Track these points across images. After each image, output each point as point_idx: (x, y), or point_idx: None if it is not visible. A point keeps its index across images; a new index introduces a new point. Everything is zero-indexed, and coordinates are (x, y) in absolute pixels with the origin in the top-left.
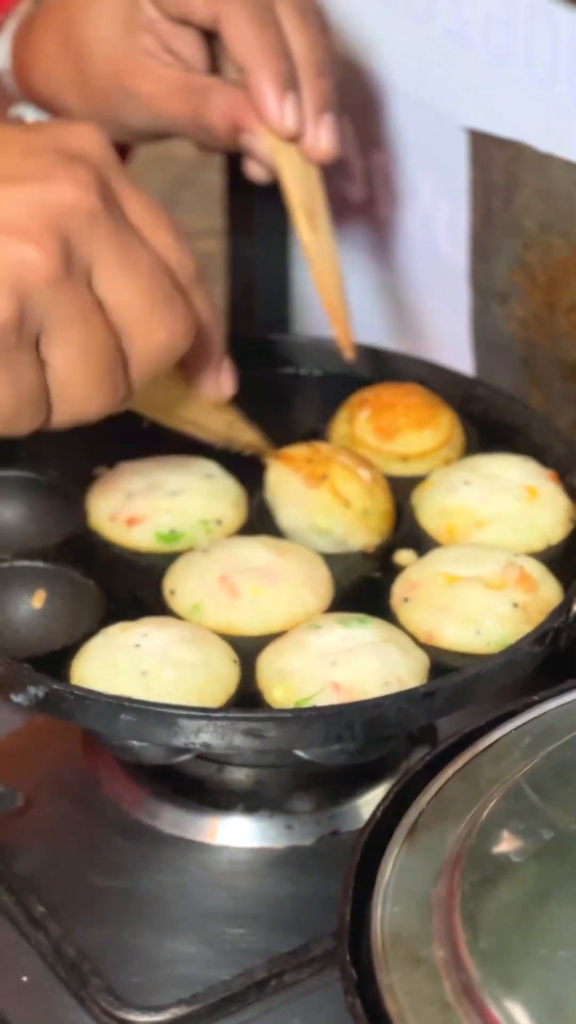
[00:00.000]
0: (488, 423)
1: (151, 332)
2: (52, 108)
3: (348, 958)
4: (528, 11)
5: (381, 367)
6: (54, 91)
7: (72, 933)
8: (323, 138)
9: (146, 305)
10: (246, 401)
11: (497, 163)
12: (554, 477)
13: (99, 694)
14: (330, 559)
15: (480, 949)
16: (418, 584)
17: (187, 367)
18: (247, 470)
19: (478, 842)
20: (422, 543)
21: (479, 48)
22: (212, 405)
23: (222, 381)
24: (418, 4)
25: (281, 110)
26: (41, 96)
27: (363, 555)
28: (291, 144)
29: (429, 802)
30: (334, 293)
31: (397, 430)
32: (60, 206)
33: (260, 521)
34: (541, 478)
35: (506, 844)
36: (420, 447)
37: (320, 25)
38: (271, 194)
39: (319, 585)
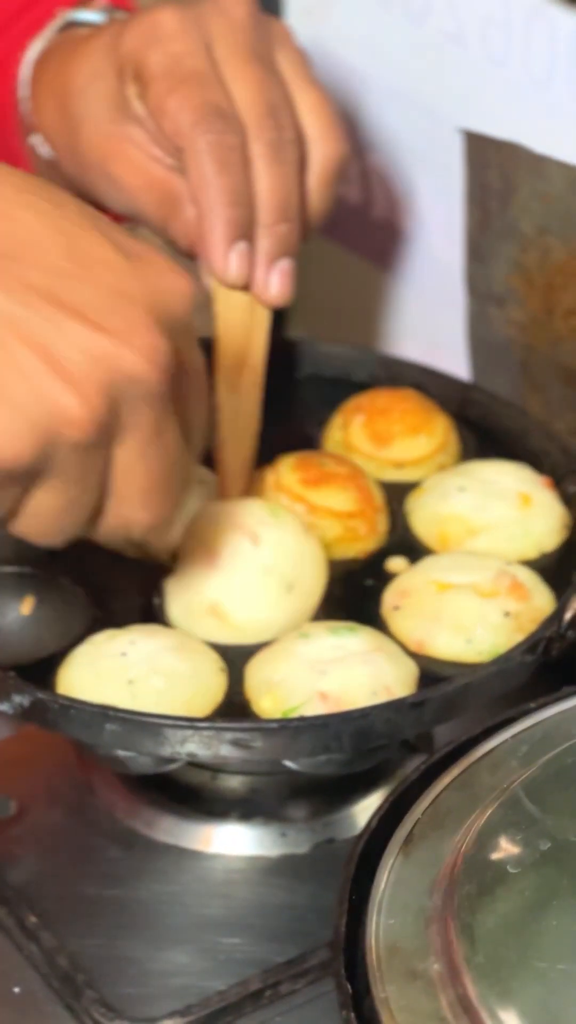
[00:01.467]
0: (484, 428)
1: (136, 509)
2: (55, 157)
3: (344, 972)
4: (525, 12)
5: (377, 371)
6: (54, 148)
7: (65, 943)
8: (273, 286)
9: (147, 484)
10: None
11: (494, 165)
12: (549, 484)
13: (84, 703)
14: None
15: (477, 962)
16: (409, 592)
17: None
18: None
19: (474, 853)
20: (415, 550)
21: (476, 49)
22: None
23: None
24: (414, 5)
25: (225, 262)
26: (48, 142)
27: (354, 562)
28: (237, 289)
29: (425, 811)
30: (233, 460)
31: (392, 436)
32: (125, 374)
33: None
34: (536, 485)
35: (503, 855)
36: (415, 453)
37: (295, 160)
38: None
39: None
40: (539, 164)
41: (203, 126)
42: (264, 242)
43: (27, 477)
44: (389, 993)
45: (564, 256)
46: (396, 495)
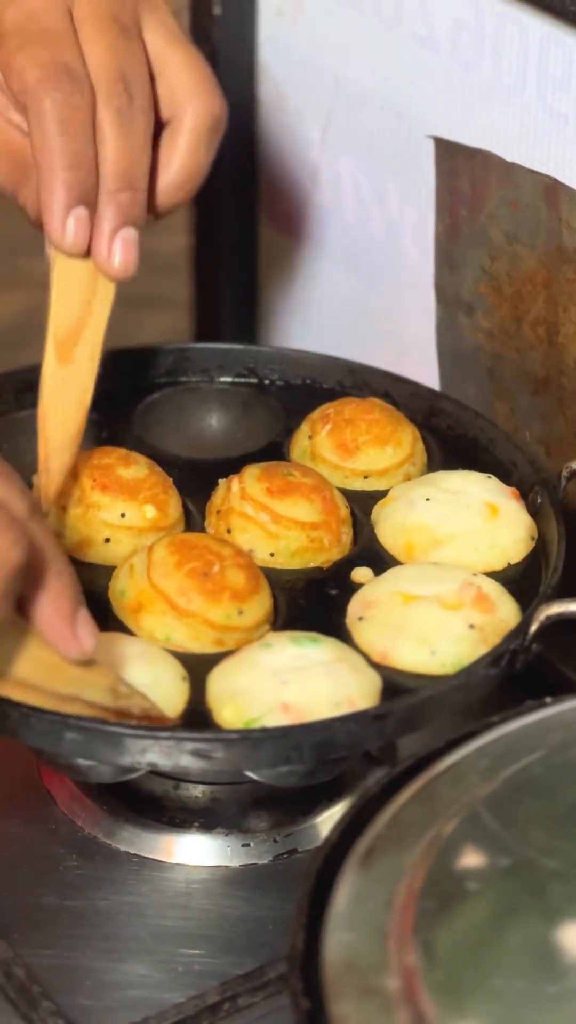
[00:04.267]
0: (452, 438)
1: None
2: None
3: (300, 987)
4: (497, 17)
5: (345, 378)
6: None
7: (22, 954)
8: (116, 256)
9: None
10: (210, 412)
11: (463, 172)
12: (516, 495)
13: (44, 711)
14: (285, 575)
15: (434, 980)
16: (374, 603)
17: (35, 616)
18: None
19: (435, 868)
20: (381, 560)
21: (447, 54)
22: (87, 671)
23: (79, 632)
24: (386, 8)
25: (62, 227)
26: None
27: (319, 572)
28: (80, 259)
29: (385, 825)
30: (57, 435)
31: (358, 447)
32: None
33: None
34: (502, 495)
35: (463, 870)
36: (381, 464)
37: (145, 129)
38: (239, 196)
39: None
40: (509, 171)
41: (48, 84)
42: (106, 210)
43: None
44: (345, 1010)
45: (533, 264)
46: (362, 505)
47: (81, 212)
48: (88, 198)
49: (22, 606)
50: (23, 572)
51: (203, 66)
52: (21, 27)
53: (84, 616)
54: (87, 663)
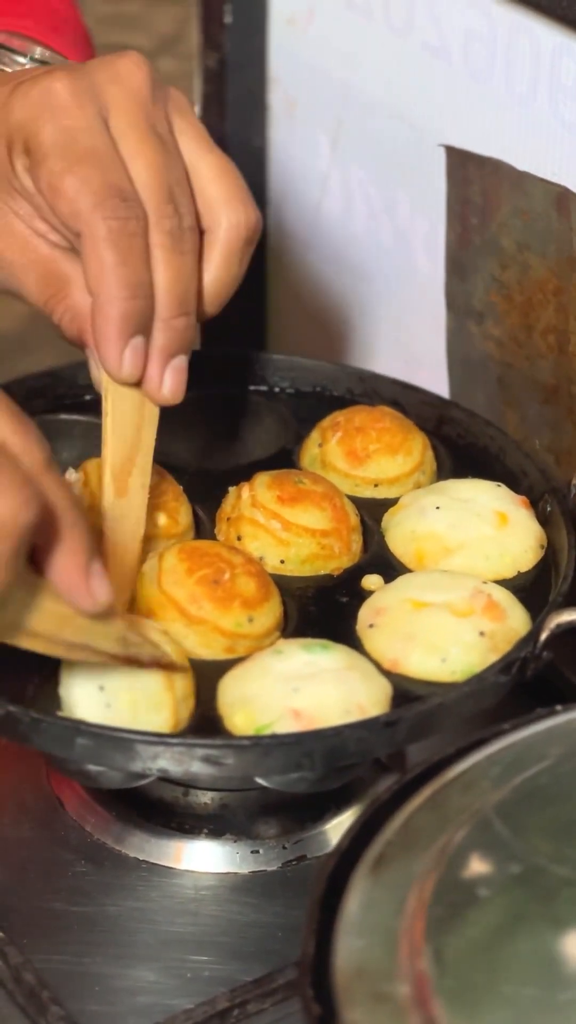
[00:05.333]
0: (462, 446)
1: None
2: None
3: (311, 993)
4: (509, 27)
5: (356, 386)
6: None
7: (32, 959)
8: (166, 385)
9: None
10: (220, 419)
11: (475, 181)
12: (526, 503)
13: (55, 717)
14: (295, 582)
15: (445, 986)
16: (384, 610)
17: (48, 570)
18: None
19: (445, 875)
20: (391, 568)
21: (459, 64)
22: (96, 621)
23: (94, 586)
24: (397, 18)
25: (119, 358)
26: None
27: (329, 579)
28: (129, 384)
29: (396, 832)
30: (117, 573)
31: (368, 456)
32: None
33: None
34: (512, 504)
35: (473, 877)
36: (391, 472)
37: (194, 249)
38: None
39: None
40: (520, 180)
41: (104, 210)
42: (161, 337)
43: None
44: (356, 1016)
45: (543, 273)
46: (372, 512)
47: (138, 342)
48: (145, 326)
49: (34, 558)
50: (32, 531)
51: (235, 174)
52: (64, 147)
53: (98, 569)
54: (101, 618)
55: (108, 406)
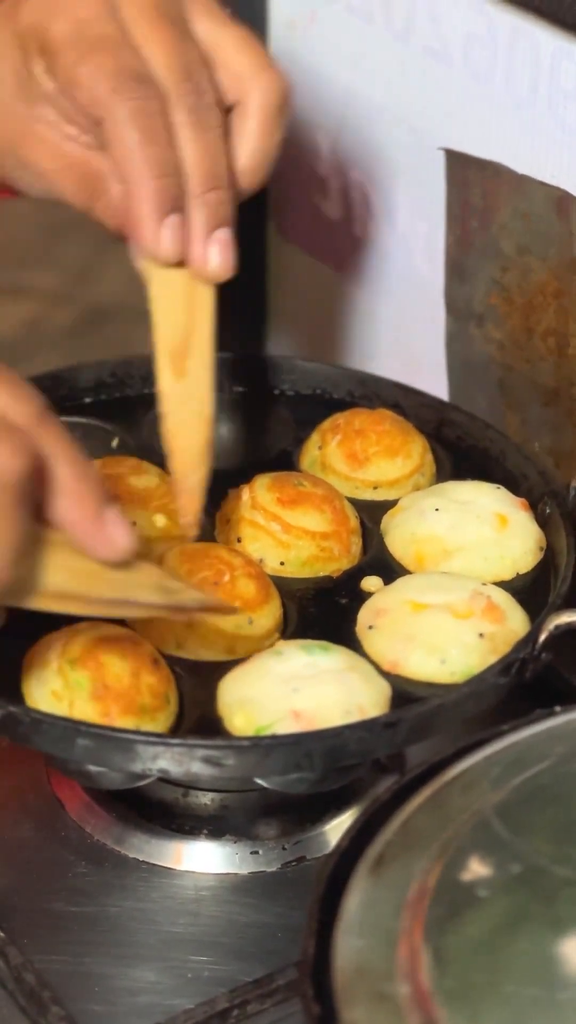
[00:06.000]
0: (462, 449)
1: None
2: None
3: (311, 993)
4: (509, 31)
5: (356, 389)
6: None
7: (33, 960)
8: (213, 259)
9: None
10: (220, 421)
11: (475, 184)
12: (525, 505)
13: (56, 718)
14: (295, 584)
15: (445, 986)
16: (384, 612)
17: (60, 522)
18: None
19: (445, 875)
20: (390, 569)
21: (459, 67)
22: (129, 572)
23: (110, 533)
24: (398, 21)
25: (157, 237)
26: None
27: (329, 581)
28: (175, 267)
29: (396, 832)
30: (188, 454)
31: (368, 458)
32: None
33: None
34: (512, 506)
35: (473, 877)
36: (391, 475)
37: (219, 124)
38: (248, 207)
39: None
40: (520, 184)
41: (122, 93)
42: (197, 214)
43: None
44: (356, 1015)
45: (544, 276)
46: (372, 514)
47: (174, 219)
48: (178, 203)
49: (46, 514)
50: (29, 481)
51: (258, 45)
52: (75, 38)
53: (114, 514)
54: (127, 565)
55: (153, 291)
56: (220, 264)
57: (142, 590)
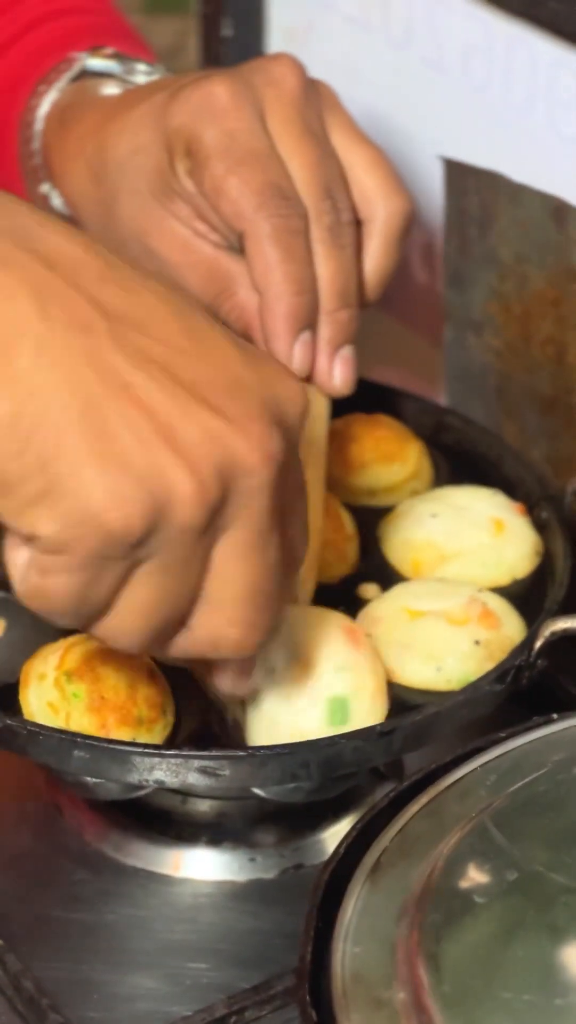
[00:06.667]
0: (459, 454)
1: (226, 622)
2: (78, 225)
3: (308, 999)
4: (506, 39)
5: (353, 395)
6: (81, 218)
7: (31, 967)
8: (337, 376)
9: (244, 592)
10: None
11: (473, 193)
12: (522, 510)
13: (52, 730)
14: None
15: (442, 992)
16: (380, 619)
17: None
18: None
19: (441, 881)
20: (387, 576)
21: (457, 77)
22: None
23: (238, 683)
24: (396, 30)
25: (289, 353)
26: (69, 208)
27: (325, 587)
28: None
29: (392, 839)
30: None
31: (364, 464)
32: (239, 462)
33: None
34: (509, 511)
35: (470, 884)
36: (387, 481)
37: (353, 243)
38: None
39: None
40: (518, 192)
41: (267, 210)
42: (327, 330)
43: (130, 554)
44: (354, 1021)
45: (542, 284)
46: (369, 520)
47: (306, 336)
48: (311, 321)
49: None
50: None
51: (388, 164)
52: (226, 149)
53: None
54: None
55: None
56: (343, 381)
57: None
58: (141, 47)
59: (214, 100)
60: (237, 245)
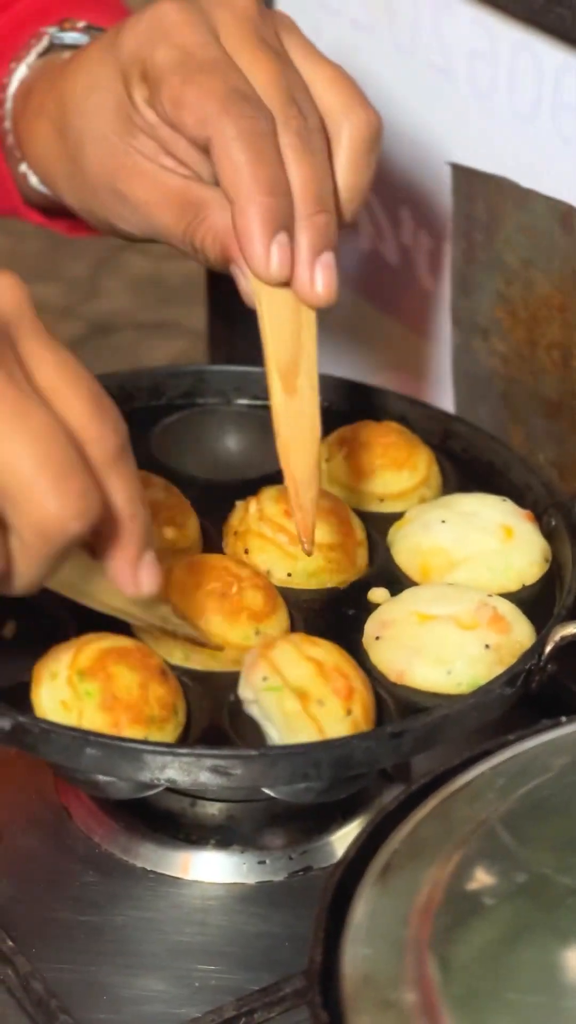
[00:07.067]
0: (467, 461)
1: (37, 503)
2: (49, 189)
3: (319, 1001)
4: (512, 45)
5: (361, 402)
6: (49, 178)
7: (40, 968)
8: (318, 282)
9: (32, 471)
10: (227, 434)
11: (480, 198)
12: (530, 517)
13: (64, 728)
14: (302, 595)
15: (451, 994)
16: (390, 623)
17: (99, 554)
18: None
19: (451, 884)
20: (397, 581)
21: (462, 82)
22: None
23: (141, 576)
24: (402, 37)
25: (266, 255)
26: (39, 174)
27: (336, 592)
28: (280, 287)
29: (402, 842)
30: (301, 470)
31: (374, 470)
32: None
33: None
34: (517, 518)
35: (479, 886)
36: (397, 487)
37: (323, 148)
38: None
39: None
40: (524, 197)
41: (232, 112)
42: (305, 236)
43: None
44: (363, 1023)
45: (548, 289)
46: (378, 526)
47: (283, 238)
48: (287, 224)
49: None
50: (81, 539)
51: (350, 80)
52: (181, 62)
53: (149, 560)
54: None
55: (263, 310)
56: (325, 288)
57: (145, 611)
58: (121, 12)
59: (163, 20)
60: (207, 175)
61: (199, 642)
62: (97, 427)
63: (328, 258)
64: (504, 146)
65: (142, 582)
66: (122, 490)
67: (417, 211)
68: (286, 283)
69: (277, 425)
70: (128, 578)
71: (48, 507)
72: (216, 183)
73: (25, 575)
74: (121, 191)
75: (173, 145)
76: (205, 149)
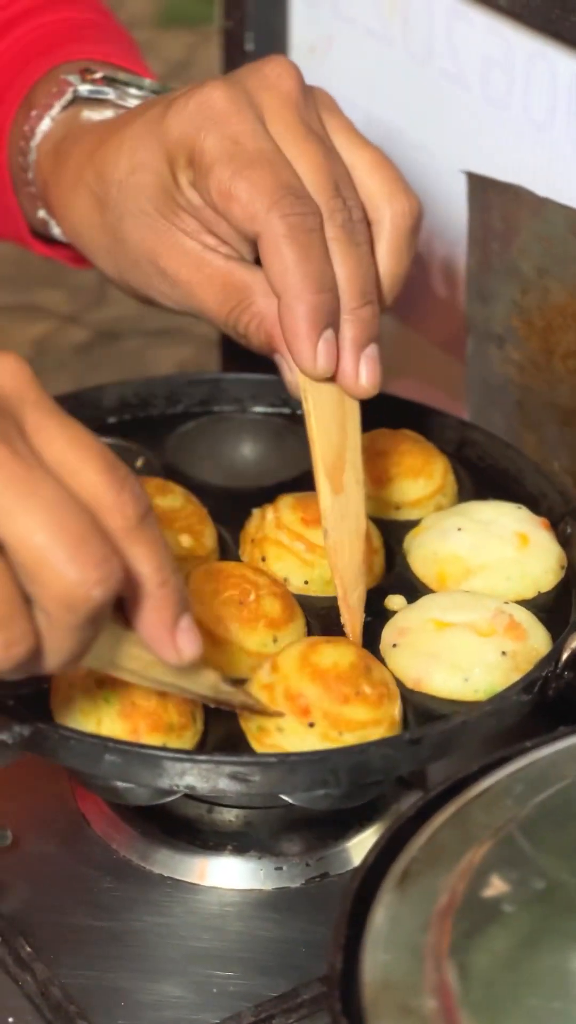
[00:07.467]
0: (482, 468)
1: (56, 573)
2: (88, 258)
3: (339, 1007)
4: (526, 54)
5: (377, 410)
6: (88, 249)
7: (59, 974)
8: (363, 375)
9: (47, 541)
10: (244, 442)
11: (495, 207)
12: (546, 525)
13: (84, 734)
14: (319, 602)
15: (471, 1000)
16: (407, 630)
17: (134, 624)
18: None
19: (469, 890)
20: (413, 589)
21: (477, 91)
22: (192, 670)
23: (180, 642)
24: (417, 46)
25: (313, 353)
26: (77, 244)
27: None
28: (325, 381)
29: (421, 848)
30: (349, 569)
31: (390, 478)
32: None
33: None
34: (533, 525)
35: (497, 893)
36: (413, 495)
37: (367, 240)
38: None
39: None
40: (540, 206)
41: (281, 209)
42: (350, 329)
43: None
44: None
45: (564, 298)
46: (395, 534)
47: (329, 334)
48: (334, 320)
49: (122, 606)
50: (107, 607)
51: (391, 165)
52: (231, 153)
53: (186, 624)
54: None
55: (309, 406)
56: (370, 380)
57: (196, 684)
58: (126, 44)
59: (212, 106)
60: (249, 255)
61: (256, 710)
62: (113, 496)
63: (372, 351)
64: (519, 155)
65: (182, 648)
66: (147, 556)
67: (432, 220)
68: (332, 377)
69: (326, 526)
70: (166, 645)
71: (68, 576)
72: (258, 261)
73: (56, 651)
74: (164, 269)
75: (216, 226)
76: (252, 241)
